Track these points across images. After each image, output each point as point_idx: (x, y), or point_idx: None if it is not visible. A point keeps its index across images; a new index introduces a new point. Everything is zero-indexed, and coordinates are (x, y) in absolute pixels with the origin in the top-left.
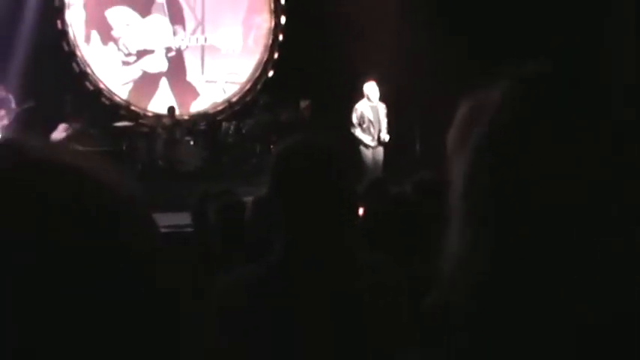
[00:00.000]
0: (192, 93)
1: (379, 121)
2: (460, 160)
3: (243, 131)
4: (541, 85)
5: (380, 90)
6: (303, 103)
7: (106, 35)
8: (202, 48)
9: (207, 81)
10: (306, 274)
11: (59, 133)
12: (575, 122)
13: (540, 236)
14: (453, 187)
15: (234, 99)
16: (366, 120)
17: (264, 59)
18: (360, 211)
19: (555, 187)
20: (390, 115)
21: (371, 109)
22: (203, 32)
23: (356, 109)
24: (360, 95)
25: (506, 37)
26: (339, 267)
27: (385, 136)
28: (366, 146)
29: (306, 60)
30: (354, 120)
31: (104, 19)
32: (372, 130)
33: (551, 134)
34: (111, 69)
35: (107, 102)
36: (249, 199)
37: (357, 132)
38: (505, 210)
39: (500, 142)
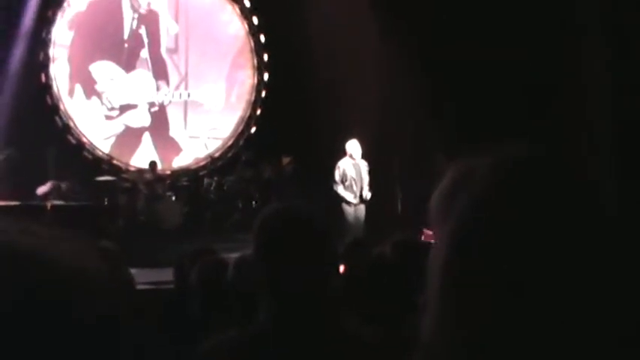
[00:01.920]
0: (175, 148)
1: (361, 179)
2: (443, 228)
3: (225, 187)
4: (532, 167)
5: (362, 147)
6: (285, 160)
7: (90, 89)
8: (185, 103)
9: (189, 136)
10: (293, 343)
11: (45, 188)
12: (560, 210)
13: (522, 310)
14: (434, 254)
15: (216, 154)
16: (349, 177)
17: (247, 115)
18: (341, 269)
19: (538, 265)
20: (372, 173)
21: (353, 167)
22: (186, 88)
23: (338, 167)
24: (342, 153)
25: (491, 99)
26: (325, 337)
27: (367, 194)
28: (348, 204)
29: (288, 117)
30: (337, 177)
31: (88, 73)
32: (354, 187)
33: (537, 218)
34: (94, 123)
35: (89, 156)
36: (231, 256)
37: (340, 189)
38: (485, 285)
39: (487, 218)
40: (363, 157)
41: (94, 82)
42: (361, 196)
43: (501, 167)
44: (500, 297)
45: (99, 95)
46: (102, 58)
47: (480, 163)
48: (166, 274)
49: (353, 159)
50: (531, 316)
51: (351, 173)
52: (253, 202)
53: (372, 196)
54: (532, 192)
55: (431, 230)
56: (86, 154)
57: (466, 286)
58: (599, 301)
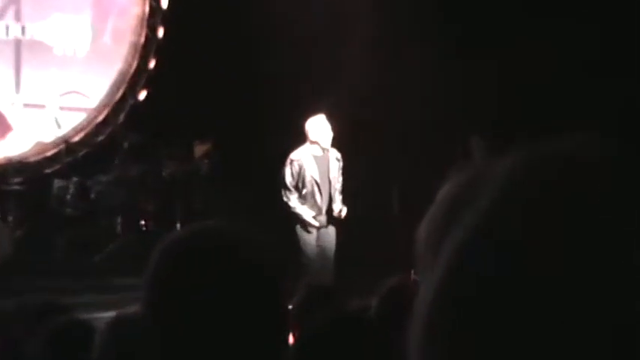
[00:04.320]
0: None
1: (329, 183)
2: (434, 263)
3: (93, 195)
4: (590, 173)
5: (333, 129)
6: (200, 148)
7: None
8: (17, 45)
9: (25, 105)
10: None
11: None
12: (600, 226)
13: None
14: (421, 300)
15: (76, 138)
16: (308, 180)
17: (132, 70)
18: (291, 339)
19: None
20: (349, 172)
21: (316, 162)
22: (19, 17)
23: (291, 162)
24: (298, 137)
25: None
26: None
27: (339, 208)
28: (307, 226)
29: (204, 75)
30: (287, 180)
31: None
32: (317, 197)
33: (568, 234)
34: None
35: None
36: (100, 316)
37: (293, 201)
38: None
39: (501, 234)
40: (335, 145)
41: None
42: (329, 211)
43: (535, 172)
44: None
45: None
46: None
47: (489, 172)
48: None
49: (317, 147)
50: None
51: (312, 172)
52: (142, 223)
53: (347, 211)
54: (589, 214)
55: (420, 267)
56: None
57: (459, 350)
58: None
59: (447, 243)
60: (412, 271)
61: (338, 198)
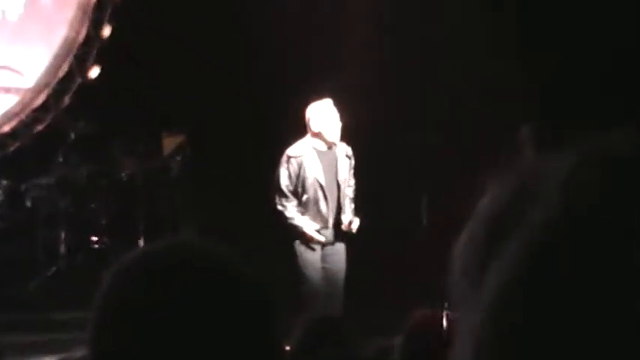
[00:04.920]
0: None
1: (337, 187)
2: (477, 292)
3: (28, 202)
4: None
5: (342, 118)
6: (170, 142)
7: None
8: None
9: None
10: None
11: None
12: None
13: None
14: (465, 338)
15: (5, 128)
16: (311, 183)
17: (80, 39)
18: None
19: None
20: (363, 172)
21: (320, 160)
22: None
23: (288, 159)
24: (296, 128)
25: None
26: None
27: (351, 220)
28: (309, 242)
29: (175, 46)
30: (283, 183)
31: None
32: (322, 205)
33: None
34: None
35: None
36: None
37: (290, 210)
38: None
39: (566, 260)
40: (345, 138)
41: None
42: (337, 223)
43: (598, 178)
44: None
45: None
46: None
47: (552, 171)
48: None
49: (321, 141)
50: None
51: (315, 173)
52: (93, 238)
53: (360, 224)
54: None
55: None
56: None
57: None
58: None
59: (493, 272)
60: (444, 304)
61: (349, 206)
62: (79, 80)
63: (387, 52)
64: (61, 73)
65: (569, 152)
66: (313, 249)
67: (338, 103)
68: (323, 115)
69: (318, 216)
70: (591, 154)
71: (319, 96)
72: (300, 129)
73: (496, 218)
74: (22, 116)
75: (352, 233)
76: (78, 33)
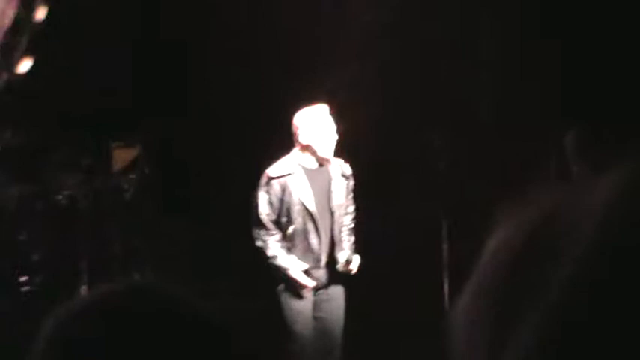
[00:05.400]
0: None
1: (331, 216)
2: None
3: None
4: None
5: (339, 127)
6: (122, 156)
7: None
8: None
9: None
10: None
11: None
12: None
13: None
14: None
15: None
16: (297, 211)
17: (7, 22)
18: None
19: None
20: (365, 197)
21: (310, 181)
22: None
23: (268, 181)
24: (280, 140)
25: None
26: None
27: (349, 257)
28: (297, 286)
29: (127, 32)
30: (262, 211)
31: None
32: (312, 239)
33: None
34: None
35: None
36: None
37: (272, 246)
38: None
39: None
40: (341, 152)
41: None
42: (331, 262)
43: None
44: None
45: None
46: None
47: (588, 187)
48: None
49: (312, 157)
50: None
51: (303, 197)
52: (21, 279)
53: (361, 262)
54: None
55: None
56: None
57: None
58: None
59: (523, 334)
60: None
61: (347, 240)
62: (4, 76)
63: (395, 52)
64: None
65: (600, 184)
66: (301, 295)
67: (335, 109)
68: (314, 125)
69: (308, 253)
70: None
71: (310, 100)
72: (285, 141)
73: (515, 261)
74: None
75: (351, 274)
76: (3, 15)
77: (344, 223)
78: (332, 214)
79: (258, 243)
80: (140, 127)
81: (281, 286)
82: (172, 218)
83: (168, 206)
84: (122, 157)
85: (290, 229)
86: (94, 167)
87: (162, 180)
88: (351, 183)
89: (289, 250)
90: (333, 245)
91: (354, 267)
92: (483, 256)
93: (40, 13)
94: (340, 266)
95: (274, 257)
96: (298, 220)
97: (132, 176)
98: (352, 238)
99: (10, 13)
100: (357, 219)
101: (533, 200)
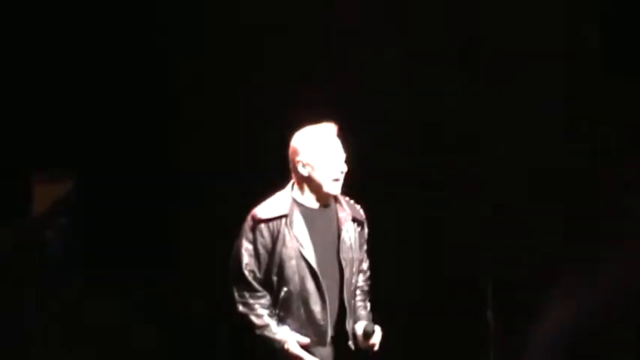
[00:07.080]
0: None
1: (340, 272)
2: None
3: None
4: None
5: (348, 155)
6: (50, 189)
7: None
8: None
9: None
10: None
11: None
12: None
13: None
14: None
15: None
16: (293, 267)
17: None
18: None
19: None
20: (384, 246)
21: (308, 227)
22: None
23: (254, 226)
24: (270, 170)
25: None
26: None
27: (366, 329)
28: None
29: (62, 32)
30: (245, 267)
31: None
32: (313, 305)
33: None
34: None
35: None
36: None
37: (260, 314)
38: None
39: None
40: (352, 189)
41: None
42: (341, 334)
43: None
44: None
45: None
46: None
47: None
48: None
49: (312, 195)
50: None
51: (301, 249)
52: None
53: (384, 335)
54: None
55: None
56: None
57: None
58: None
59: None
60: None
61: (362, 306)
62: None
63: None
64: None
65: None
66: None
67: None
68: (317, 150)
69: (309, 323)
70: None
71: (313, 118)
72: (277, 172)
73: None
74: None
75: (369, 350)
76: None
77: (357, 284)
78: (341, 271)
79: (241, 309)
80: (72, 154)
81: None
82: (114, 280)
83: (110, 264)
84: (47, 194)
85: (283, 291)
86: (8, 210)
87: (102, 227)
88: (365, 231)
89: (282, 319)
90: (341, 312)
91: (377, 341)
92: None
93: None
94: (357, 342)
95: (263, 327)
96: (295, 280)
97: (61, 221)
98: (369, 305)
99: None
100: (374, 275)
101: None
